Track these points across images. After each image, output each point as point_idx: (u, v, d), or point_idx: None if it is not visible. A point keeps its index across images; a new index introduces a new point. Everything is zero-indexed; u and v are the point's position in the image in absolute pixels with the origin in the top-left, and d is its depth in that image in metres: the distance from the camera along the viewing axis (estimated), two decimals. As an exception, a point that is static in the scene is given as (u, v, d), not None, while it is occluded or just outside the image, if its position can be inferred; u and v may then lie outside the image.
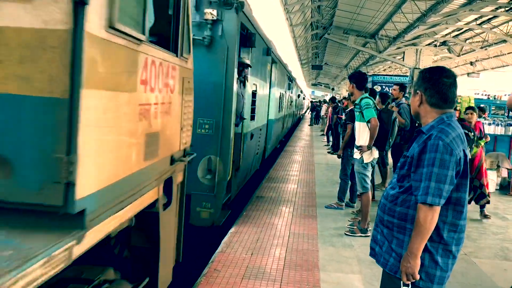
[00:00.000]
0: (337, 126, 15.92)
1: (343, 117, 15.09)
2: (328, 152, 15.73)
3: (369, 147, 6.15)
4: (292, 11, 22.69)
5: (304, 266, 4.96)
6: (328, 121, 19.74)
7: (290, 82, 19.69)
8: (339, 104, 17.58)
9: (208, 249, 5.90)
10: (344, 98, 17.15)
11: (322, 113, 28.60)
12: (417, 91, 2.58)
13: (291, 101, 22.47)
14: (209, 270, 4.69)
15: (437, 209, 2.35)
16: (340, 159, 7.82)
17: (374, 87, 21.32)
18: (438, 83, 2.50)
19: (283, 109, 16.33)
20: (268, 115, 10.79)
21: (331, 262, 5.16)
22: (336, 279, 4.68)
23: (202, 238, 6.32)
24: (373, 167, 6.54)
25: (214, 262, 4.92)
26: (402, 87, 9.30)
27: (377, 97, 8.43)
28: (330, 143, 18.00)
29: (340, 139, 16.16)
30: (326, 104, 21.17)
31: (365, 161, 6.22)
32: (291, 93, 21.64)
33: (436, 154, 2.34)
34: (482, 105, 17.14)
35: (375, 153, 6.33)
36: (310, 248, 5.60)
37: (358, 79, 6.38)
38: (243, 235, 5.93)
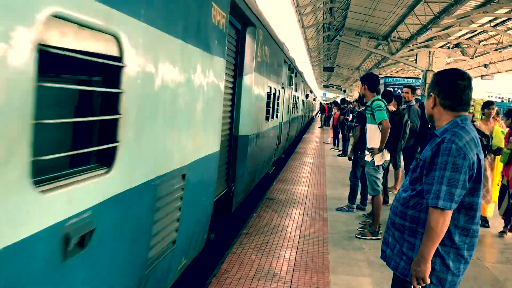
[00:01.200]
0: (343, 128, 15.87)
1: (350, 118, 15.06)
2: (338, 155, 15.67)
3: (380, 150, 6.12)
4: (304, 13, 22.67)
5: (314, 268, 4.95)
6: (332, 123, 19.30)
7: (293, 75, 13.96)
8: (347, 106, 17.51)
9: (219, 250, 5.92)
10: (356, 100, 17.08)
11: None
12: (431, 94, 2.56)
13: (296, 102, 17.30)
14: (220, 271, 4.71)
15: (449, 213, 2.33)
16: (351, 161, 7.79)
17: (386, 89, 21.16)
18: (452, 86, 2.47)
19: (282, 114, 11.61)
20: (236, 128, 6.20)
21: (342, 264, 5.14)
22: (346, 281, 4.67)
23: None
24: (384, 169, 6.50)
25: (224, 263, 4.93)
26: (413, 89, 9.23)
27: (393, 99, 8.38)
28: (335, 147, 17.95)
29: (341, 140, 16.18)
30: (336, 107, 20.48)
31: (376, 164, 6.19)
32: (296, 91, 16.38)
33: (448, 158, 2.32)
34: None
35: (387, 156, 6.29)
36: (320, 250, 5.59)
37: (371, 81, 6.35)
38: (253, 236, 5.94)
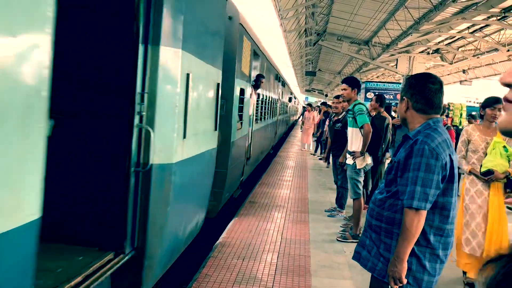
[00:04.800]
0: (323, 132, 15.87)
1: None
2: (320, 159, 15.76)
3: (362, 153, 6.17)
4: (286, 17, 22.78)
5: (296, 272, 4.96)
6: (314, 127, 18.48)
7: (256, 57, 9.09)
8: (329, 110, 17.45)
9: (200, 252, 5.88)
10: (323, 103, 17.13)
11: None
12: (404, 97, 2.63)
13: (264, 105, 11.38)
14: (200, 275, 4.68)
15: (423, 213, 2.38)
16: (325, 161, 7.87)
17: (367, 94, 21.44)
18: (423, 89, 2.54)
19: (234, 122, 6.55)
20: None
21: (323, 267, 5.16)
22: (327, 284, 4.69)
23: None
24: (365, 173, 6.55)
25: (205, 267, 4.90)
26: None
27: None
28: (318, 153, 17.87)
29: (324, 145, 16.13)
30: (315, 111, 19.63)
31: (357, 167, 6.24)
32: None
33: (421, 159, 2.38)
34: (473, 113, 17.27)
35: (368, 159, 6.35)
36: (302, 253, 5.60)
37: (357, 84, 6.38)
38: (234, 240, 5.92)
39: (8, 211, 1.75)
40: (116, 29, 3.50)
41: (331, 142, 8.25)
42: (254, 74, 8.69)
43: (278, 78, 16.16)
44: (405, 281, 2.43)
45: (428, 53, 24.76)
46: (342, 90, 6.46)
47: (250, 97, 8.16)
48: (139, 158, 3.18)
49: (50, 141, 2.05)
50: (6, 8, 1.68)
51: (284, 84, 20.97)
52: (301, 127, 33.85)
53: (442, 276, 2.59)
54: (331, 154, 8.32)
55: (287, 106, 25.91)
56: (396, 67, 24.44)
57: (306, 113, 19.85)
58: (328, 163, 12.76)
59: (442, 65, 26.60)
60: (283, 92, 20.73)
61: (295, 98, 41.81)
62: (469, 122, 14.69)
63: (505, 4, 14.48)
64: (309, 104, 24.90)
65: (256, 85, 8.58)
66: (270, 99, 13.14)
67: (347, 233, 6.32)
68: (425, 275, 2.47)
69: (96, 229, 3.34)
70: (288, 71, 51.23)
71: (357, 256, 2.76)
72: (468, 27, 19.58)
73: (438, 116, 2.58)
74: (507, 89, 0.82)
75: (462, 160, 4.95)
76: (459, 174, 4.07)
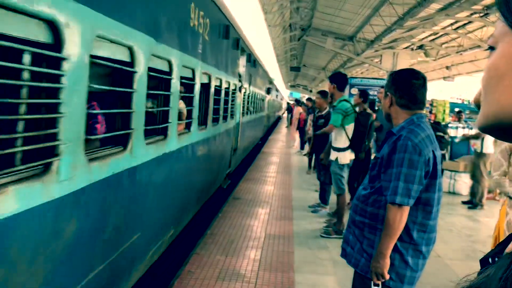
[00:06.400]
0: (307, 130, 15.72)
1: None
2: (305, 155, 15.76)
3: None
4: (271, 11, 22.73)
5: (279, 268, 4.94)
6: (298, 124, 18.19)
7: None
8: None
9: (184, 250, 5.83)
10: (308, 99, 17.05)
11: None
12: (387, 93, 2.62)
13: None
14: (184, 272, 4.63)
15: (406, 209, 2.38)
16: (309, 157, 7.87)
17: (351, 90, 21.57)
18: (407, 85, 2.54)
19: None
20: None
21: (306, 263, 5.15)
22: (311, 280, 4.68)
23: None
24: (349, 168, 6.56)
25: (188, 264, 4.86)
26: None
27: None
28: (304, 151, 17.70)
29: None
30: (299, 106, 19.03)
31: (340, 163, 6.25)
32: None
33: (405, 155, 2.37)
34: (456, 109, 17.46)
35: (351, 155, 6.36)
36: (285, 249, 5.58)
37: (340, 80, 6.40)
38: (218, 236, 5.88)
39: None
40: None
41: (314, 139, 8.24)
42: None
43: (242, 49, 9.51)
44: (387, 276, 2.43)
45: (412, 49, 24.94)
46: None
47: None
48: None
49: None
50: None
51: (257, 64, 13.97)
52: (289, 125, 33.95)
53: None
54: (313, 151, 8.31)
55: (263, 100, 18.59)
56: (381, 63, 24.58)
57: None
58: (309, 167, 12.70)
59: (426, 62, 26.83)
60: (256, 78, 14.17)
61: (277, 91, 33.72)
62: (458, 119, 14.95)
63: (487, 1, 14.64)
64: (297, 100, 24.87)
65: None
66: (225, 86, 7.57)
67: (330, 228, 6.33)
68: (407, 270, 2.47)
69: None
70: (273, 66, 51.21)
71: (343, 253, 2.75)
72: (452, 24, 19.77)
73: (422, 111, 2.59)
74: None
75: (505, 180, 3.63)
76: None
